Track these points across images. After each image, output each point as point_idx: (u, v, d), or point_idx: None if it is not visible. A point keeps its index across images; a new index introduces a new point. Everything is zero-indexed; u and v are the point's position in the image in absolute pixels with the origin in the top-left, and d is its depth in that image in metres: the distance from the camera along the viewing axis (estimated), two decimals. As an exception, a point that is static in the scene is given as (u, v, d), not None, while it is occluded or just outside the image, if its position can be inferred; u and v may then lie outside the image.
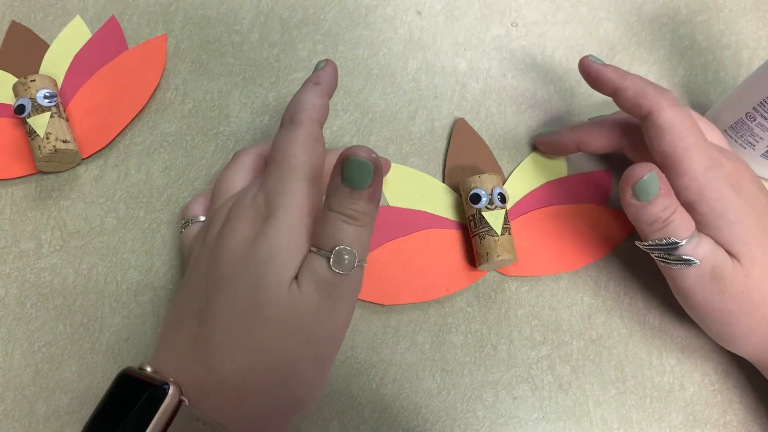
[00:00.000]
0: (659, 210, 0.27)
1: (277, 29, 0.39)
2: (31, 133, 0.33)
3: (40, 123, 0.33)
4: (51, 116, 0.34)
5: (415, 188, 0.35)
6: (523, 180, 0.36)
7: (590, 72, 0.30)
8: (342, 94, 0.38)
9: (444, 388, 0.31)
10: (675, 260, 0.28)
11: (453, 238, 0.34)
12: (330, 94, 0.29)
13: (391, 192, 0.35)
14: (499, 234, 0.31)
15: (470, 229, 0.33)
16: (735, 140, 0.36)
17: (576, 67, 0.39)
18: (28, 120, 0.33)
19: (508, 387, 0.32)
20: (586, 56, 0.31)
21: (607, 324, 0.33)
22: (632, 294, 0.34)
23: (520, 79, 0.39)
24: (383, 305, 0.33)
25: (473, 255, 0.33)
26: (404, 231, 0.34)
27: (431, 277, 0.33)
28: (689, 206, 0.27)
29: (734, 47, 0.41)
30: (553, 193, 0.35)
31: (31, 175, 0.35)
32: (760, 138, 0.34)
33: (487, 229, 0.32)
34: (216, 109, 0.37)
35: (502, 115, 0.38)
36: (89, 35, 0.38)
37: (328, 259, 0.24)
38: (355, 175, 0.24)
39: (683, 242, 0.27)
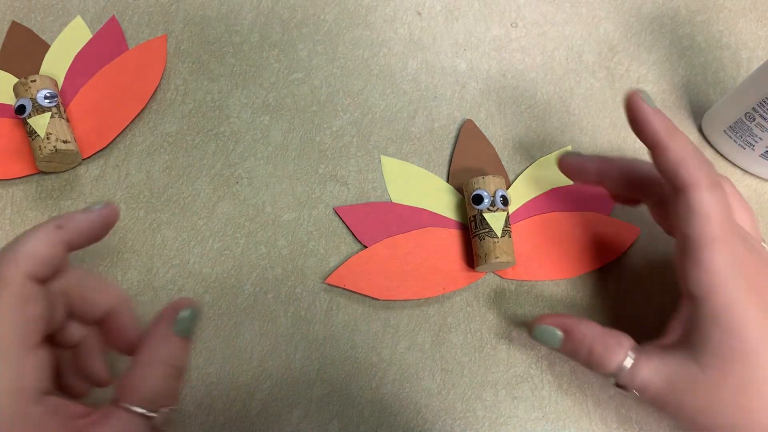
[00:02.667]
0: (569, 354, 0.28)
1: (277, 29, 0.39)
2: (31, 134, 0.33)
3: (40, 123, 0.33)
4: (51, 116, 0.34)
5: (418, 186, 0.35)
6: (527, 185, 0.35)
7: (636, 113, 0.26)
8: (342, 94, 0.38)
9: (444, 388, 0.32)
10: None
11: (453, 238, 0.34)
12: (73, 246, 0.24)
13: (395, 188, 0.35)
14: (499, 236, 0.31)
15: (470, 230, 0.33)
16: (734, 140, 0.36)
17: (576, 67, 0.39)
18: (28, 120, 0.33)
19: (508, 387, 0.32)
20: (638, 92, 0.26)
21: (607, 324, 0.33)
22: (632, 294, 0.34)
23: (520, 79, 0.39)
24: (378, 299, 0.33)
25: (472, 256, 0.33)
26: (405, 228, 0.34)
27: (428, 275, 0.33)
28: (694, 298, 0.25)
29: (734, 47, 0.41)
30: (556, 200, 0.35)
31: (31, 175, 0.35)
32: (760, 138, 0.34)
33: (487, 230, 0.31)
34: (216, 109, 0.37)
35: (502, 115, 0.38)
36: (90, 35, 0.38)
37: (150, 419, 0.22)
38: (189, 324, 0.24)
39: (611, 379, 0.27)
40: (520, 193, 0.35)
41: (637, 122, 0.26)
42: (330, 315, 0.33)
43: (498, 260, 0.31)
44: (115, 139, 0.36)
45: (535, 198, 0.35)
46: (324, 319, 0.32)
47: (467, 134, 0.37)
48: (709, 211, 0.24)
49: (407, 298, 0.32)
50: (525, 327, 0.32)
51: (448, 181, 0.36)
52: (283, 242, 0.34)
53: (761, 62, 0.36)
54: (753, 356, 0.24)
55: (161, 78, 0.37)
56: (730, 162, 0.37)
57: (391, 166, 0.36)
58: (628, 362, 0.26)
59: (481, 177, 0.33)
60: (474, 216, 0.32)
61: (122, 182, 0.35)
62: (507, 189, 0.34)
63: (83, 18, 0.39)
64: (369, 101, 0.38)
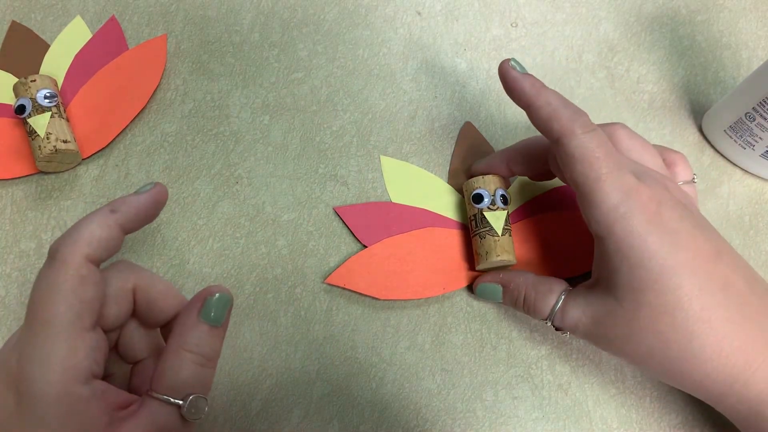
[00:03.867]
0: (510, 305, 0.31)
1: (277, 29, 0.39)
2: (31, 133, 0.33)
3: (40, 123, 0.33)
4: (51, 116, 0.34)
5: (418, 186, 0.35)
6: (527, 185, 0.35)
7: (507, 79, 0.28)
8: (342, 94, 0.38)
9: (444, 388, 0.32)
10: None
11: (453, 238, 0.34)
12: (127, 228, 0.24)
13: (395, 188, 0.35)
14: (500, 234, 0.31)
15: (471, 229, 0.33)
16: (734, 140, 0.36)
17: (576, 67, 0.39)
18: (28, 120, 0.33)
19: (508, 387, 0.32)
20: (507, 60, 0.28)
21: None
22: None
23: (520, 79, 0.39)
24: (378, 299, 0.33)
25: (473, 255, 0.33)
26: (405, 227, 0.34)
27: (429, 275, 0.33)
28: (599, 239, 0.26)
29: (734, 47, 0.41)
30: (556, 200, 0.35)
31: (31, 175, 0.35)
32: (760, 138, 0.34)
33: (487, 228, 0.32)
34: (216, 109, 0.37)
35: (502, 116, 0.38)
36: (89, 35, 0.38)
37: (179, 407, 0.22)
38: (216, 311, 0.23)
39: (547, 322, 0.29)
40: (521, 193, 0.35)
41: (509, 88, 0.28)
42: (330, 315, 0.33)
43: (499, 258, 0.31)
44: (114, 138, 0.36)
45: (535, 198, 0.35)
46: (324, 319, 0.32)
47: (466, 136, 0.37)
48: (586, 153, 0.26)
49: (408, 297, 0.32)
50: (470, 290, 0.33)
51: (448, 182, 0.36)
52: (283, 242, 0.34)
53: (761, 62, 0.36)
54: (660, 283, 0.25)
55: (161, 78, 0.37)
56: (731, 162, 0.37)
57: (390, 166, 0.36)
58: (558, 305, 0.28)
59: (481, 177, 0.33)
60: (474, 215, 0.32)
61: (122, 182, 0.35)
62: (507, 189, 0.34)
63: (83, 18, 0.39)
64: (369, 101, 0.38)
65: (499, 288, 0.31)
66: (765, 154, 0.35)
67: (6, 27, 0.38)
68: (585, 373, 0.32)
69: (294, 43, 0.39)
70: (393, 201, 0.35)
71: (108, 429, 0.21)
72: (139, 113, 0.36)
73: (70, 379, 0.21)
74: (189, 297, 0.25)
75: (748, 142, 0.35)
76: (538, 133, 0.30)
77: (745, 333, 0.25)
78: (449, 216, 0.34)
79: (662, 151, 0.30)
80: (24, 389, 0.21)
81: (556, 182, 0.35)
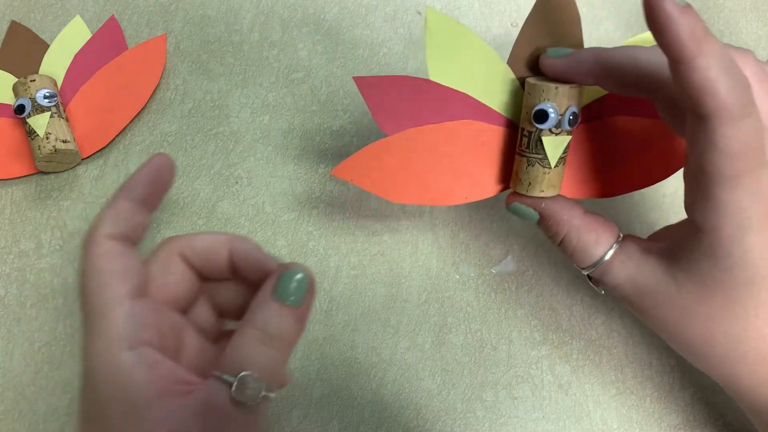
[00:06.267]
0: (546, 235, 0.27)
1: (277, 29, 0.39)
2: (30, 133, 0.33)
3: (39, 123, 0.33)
4: (51, 116, 0.34)
5: (468, 61, 0.27)
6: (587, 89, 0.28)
7: (656, 12, 0.20)
8: (342, 94, 0.38)
9: (444, 388, 0.31)
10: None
11: (495, 138, 0.27)
12: (139, 199, 0.24)
13: (437, 60, 0.27)
14: (553, 166, 0.26)
15: (519, 143, 0.27)
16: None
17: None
18: (28, 120, 0.33)
19: (508, 387, 0.32)
20: None
21: (607, 324, 0.33)
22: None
23: (520, 79, 0.39)
24: (389, 202, 0.29)
25: (511, 164, 0.28)
26: (437, 116, 0.27)
27: (452, 178, 0.27)
28: (696, 226, 0.23)
29: (734, 47, 0.40)
30: (613, 105, 0.28)
31: (30, 175, 0.35)
32: (760, 138, 0.34)
33: (540, 156, 0.26)
34: (216, 109, 0.37)
35: (502, 115, 0.38)
36: (89, 35, 0.38)
37: (231, 385, 0.21)
38: (289, 289, 0.22)
39: (584, 272, 0.27)
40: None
41: (656, 25, 0.20)
42: (330, 315, 0.32)
43: (543, 194, 0.26)
44: (114, 138, 0.36)
45: (596, 101, 0.28)
46: (324, 319, 0.32)
47: (549, 3, 0.27)
48: (733, 147, 0.21)
49: (422, 203, 0.28)
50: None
51: (508, 62, 0.28)
52: (283, 242, 0.34)
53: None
54: (741, 291, 0.23)
55: (161, 77, 0.37)
56: (731, 162, 0.37)
57: (437, 24, 0.27)
58: (603, 259, 0.26)
59: (554, 85, 0.25)
60: (529, 132, 0.26)
61: (122, 182, 0.35)
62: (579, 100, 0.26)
63: (82, 17, 0.39)
64: (369, 101, 0.38)
65: (536, 214, 0.27)
66: (765, 154, 0.35)
67: (5, 27, 0.38)
68: (585, 373, 0.32)
69: (294, 42, 0.39)
70: (431, 77, 0.27)
71: (156, 400, 0.21)
72: (138, 113, 0.36)
73: (110, 347, 0.21)
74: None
75: (749, 142, 0.35)
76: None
77: None
78: (497, 108, 0.27)
79: None
80: (83, 368, 0.22)
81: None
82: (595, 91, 0.28)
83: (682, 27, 0.19)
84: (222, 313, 0.26)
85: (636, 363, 0.32)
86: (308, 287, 0.22)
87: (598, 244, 0.26)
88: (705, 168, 0.22)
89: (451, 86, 0.27)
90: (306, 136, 0.37)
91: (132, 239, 0.23)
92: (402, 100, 0.27)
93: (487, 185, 0.28)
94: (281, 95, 0.38)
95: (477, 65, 0.27)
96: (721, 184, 0.21)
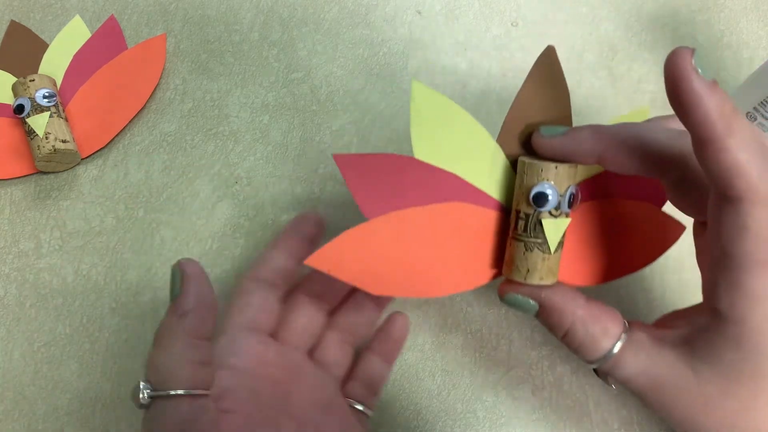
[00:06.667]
0: (545, 327, 0.25)
1: (277, 29, 0.39)
2: (30, 133, 0.33)
3: (39, 123, 0.33)
4: (50, 116, 0.34)
5: (456, 138, 0.25)
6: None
7: (683, 89, 0.19)
8: (342, 93, 0.38)
9: (444, 389, 0.31)
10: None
11: (488, 223, 0.25)
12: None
13: (423, 137, 0.25)
14: (552, 252, 0.24)
15: (513, 227, 0.25)
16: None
17: (577, 66, 0.39)
18: (27, 120, 0.33)
19: (509, 387, 0.32)
20: (687, 52, 0.19)
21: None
22: (633, 294, 0.34)
23: (521, 79, 0.38)
24: (372, 294, 0.25)
25: (503, 249, 0.26)
26: (424, 198, 0.25)
27: (441, 267, 0.25)
28: (720, 317, 0.21)
29: (735, 47, 0.40)
30: (607, 184, 0.27)
31: (30, 175, 0.35)
32: (761, 138, 0.34)
33: (539, 241, 0.24)
34: (215, 108, 0.37)
35: (503, 115, 0.37)
36: (88, 35, 0.38)
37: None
38: (171, 284, 0.23)
39: (592, 365, 0.24)
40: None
41: (683, 103, 0.19)
42: (330, 315, 0.32)
43: (542, 282, 0.24)
44: (113, 138, 0.36)
45: (584, 182, 0.27)
46: (324, 319, 0.32)
47: (544, 71, 0.26)
48: (765, 231, 0.19)
49: (408, 295, 0.25)
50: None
51: (498, 139, 0.26)
52: (283, 242, 0.34)
53: (762, 62, 0.36)
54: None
55: (160, 77, 0.37)
56: (731, 162, 0.37)
57: (423, 99, 0.25)
58: (613, 352, 0.23)
59: (553, 164, 0.23)
60: (526, 215, 0.24)
61: (121, 182, 0.35)
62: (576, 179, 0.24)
63: (82, 17, 0.39)
64: (369, 101, 0.38)
65: (536, 306, 0.25)
66: (766, 155, 0.35)
67: (5, 26, 0.38)
68: (586, 373, 0.32)
69: (294, 42, 0.39)
70: (416, 156, 0.25)
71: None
72: (138, 113, 0.36)
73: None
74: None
75: (749, 142, 0.35)
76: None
77: None
78: (486, 190, 0.25)
79: None
80: None
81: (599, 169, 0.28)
82: (587, 171, 0.26)
83: (712, 106, 0.18)
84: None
85: (636, 363, 0.32)
86: (180, 277, 0.24)
87: (606, 335, 0.23)
88: (732, 253, 0.20)
89: (438, 165, 0.25)
90: (306, 135, 0.37)
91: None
92: (387, 178, 0.25)
93: (479, 272, 0.26)
94: (281, 95, 0.38)
95: (465, 143, 0.25)
96: (750, 271, 0.20)
